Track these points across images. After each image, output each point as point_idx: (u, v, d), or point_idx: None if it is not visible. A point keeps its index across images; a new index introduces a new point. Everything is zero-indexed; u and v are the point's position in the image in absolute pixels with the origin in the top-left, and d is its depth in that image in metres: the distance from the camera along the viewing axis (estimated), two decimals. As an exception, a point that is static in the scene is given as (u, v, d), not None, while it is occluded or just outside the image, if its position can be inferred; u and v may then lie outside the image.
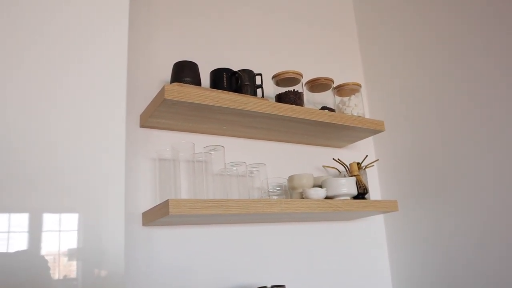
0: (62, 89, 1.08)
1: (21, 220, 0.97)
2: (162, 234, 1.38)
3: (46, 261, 0.97)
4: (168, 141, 1.44)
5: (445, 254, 1.63)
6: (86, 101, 1.10)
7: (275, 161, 1.66)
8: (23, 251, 0.95)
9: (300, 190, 1.47)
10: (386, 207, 1.56)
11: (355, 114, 1.65)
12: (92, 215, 1.04)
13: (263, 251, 1.56)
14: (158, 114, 1.35)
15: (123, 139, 1.14)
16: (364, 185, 1.58)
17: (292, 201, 1.33)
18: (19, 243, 0.95)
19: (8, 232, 0.95)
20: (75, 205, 1.03)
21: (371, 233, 1.85)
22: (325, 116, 1.53)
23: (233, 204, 1.23)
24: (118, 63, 1.18)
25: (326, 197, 1.44)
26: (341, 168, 1.74)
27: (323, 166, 1.77)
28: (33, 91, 1.04)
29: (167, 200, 1.14)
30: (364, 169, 1.69)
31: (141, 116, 1.43)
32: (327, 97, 1.68)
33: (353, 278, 1.75)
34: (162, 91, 1.25)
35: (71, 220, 1.02)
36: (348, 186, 1.46)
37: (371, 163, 1.75)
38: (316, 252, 1.68)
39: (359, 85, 1.71)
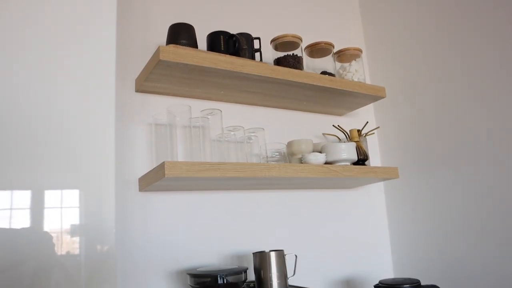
0: (51, 58, 1.05)
1: (22, 197, 0.95)
2: (159, 200, 1.36)
3: (48, 238, 0.96)
4: (164, 106, 1.41)
5: (444, 222, 1.62)
6: (74, 67, 1.07)
7: (273, 129, 1.63)
8: (25, 228, 0.94)
9: (299, 156, 1.44)
10: (387, 173, 1.53)
11: (356, 80, 1.62)
12: (87, 187, 1.02)
13: (261, 218, 1.54)
14: (153, 77, 1.31)
15: (113, 105, 1.10)
16: (365, 151, 1.55)
17: (291, 166, 1.31)
18: (22, 220, 0.94)
19: (11, 209, 0.94)
20: (70, 177, 1.00)
21: (370, 201, 1.84)
22: (325, 81, 1.49)
23: (231, 167, 1.20)
24: (106, 23, 1.15)
25: (326, 163, 1.42)
26: (341, 135, 1.71)
27: (323, 134, 1.75)
28: (20, 61, 1.01)
29: (163, 162, 1.12)
30: (365, 136, 1.67)
31: (136, 80, 1.40)
32: (327, 63, 1.64)
33: (352, 245, 1.74)
34: (157, 52, 1.22)
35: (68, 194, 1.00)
36: (348, 152, 1.44)
37: (371, 130, 1.72)
38: (315, 219, 1.67)
39: (360, 50, 1.67)
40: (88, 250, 0.99)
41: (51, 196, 0.98)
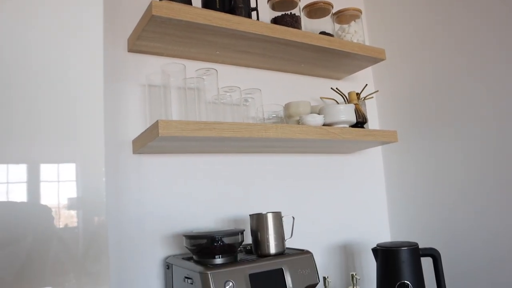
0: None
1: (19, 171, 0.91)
2: (153, 163, 1.34)
3: (46, 211, 0.92)
4: (158, 67, 1.37)
5: (443, 186, 1.60)
6: (58, 27, 1.00)
7: (270, 93, 1.59)
8: (23, 202, 0.91)
9: (297, 118, 1.41)
10: (386, 137, 1.51)
11: (355, 42, 1.57)
12: (78, 157, 0.98)
13: (258, 182, 1.52)
14: (146, 36, 1.27)
15: (101, 66, 1.04)
16: (363, 114, 1.52)
17: (288, 127, 1.28)
18: (19, 193, 0.91)
19: (7, 183, 0.90)
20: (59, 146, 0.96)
21: (368, 165, 1.82)
22: (324, 41, 1.45)
23: (227, 127, 1.17)
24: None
25: (324, 125, 1.39)
26: (340, 99, 1.67)
27: (321, 98, 1.71)
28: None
29: (157, 121, 1.08)
30: (363, 100, 1.63)
31: (128, 39, 1.35)
32: (326, 24, 1.59)
33: (350, 210, 1.73)
34: (149, 7, 1.17)
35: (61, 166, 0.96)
36: (346, 114, 1.40)
37: (370, 94, 1.69)
38: (313, 184, 1.65)
39: (360, 11, 1.62)
40: (84, 222, 0.96)
41: (44, 169, 0.94)
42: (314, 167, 1.66)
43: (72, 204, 0.95)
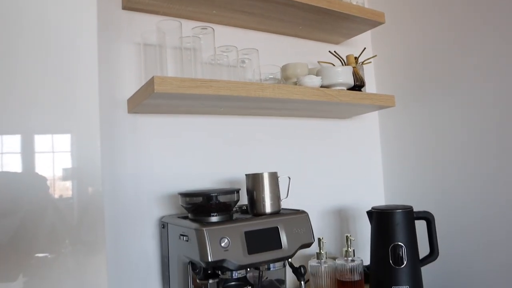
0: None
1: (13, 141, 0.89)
2: (149, 122, 1.32)
3: (40, 182, 0.91)
4: (153, 26, 1.34)
5: (439, 152, 1.60)
6: None
7: (268, 55, 1.57)
8: (17, 173, 0.89)
9: (294, 80, 1.39)
10: (383, 101, 1.50)
11: (354, 3, 1.54)
12: (72, 125, 0.95)
13: (254, 144, 1.51)
14: (141, -9, 1.23)
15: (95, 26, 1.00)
16: (361, 77, 1.50)
17: (285, 87, 1.26)
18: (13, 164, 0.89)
19: (1, 153, 0.88)
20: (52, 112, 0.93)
21: (365, 131, 1.81)
22: (323, 2, 1.42)
23: (223, 85, 1.15)
24: None
25: (321, 87, 1.37)
26: (338, 63, 1.65)
27: (318, 62, 1.69)
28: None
29: (152, 77, 1.06)
30: (362, 64, 1.61)
31: (123, -4, 1.32)
32: (325, -15, 1.55)
33: (345, 175, 1.73)
34: (144, -40, 1.13)
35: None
36: (344, 76, 1.39)
37: (368, 59, 1.67)
38: (310, 148, 1.65)
39: (360, -28, 1.58)
40: (80, 192, 0.94)
41: (39, 139, 0.92)
42: (311, 131, 1.65)
43: (67, 174, 0.93)
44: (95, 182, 0.96)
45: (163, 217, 1.27)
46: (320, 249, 1.33)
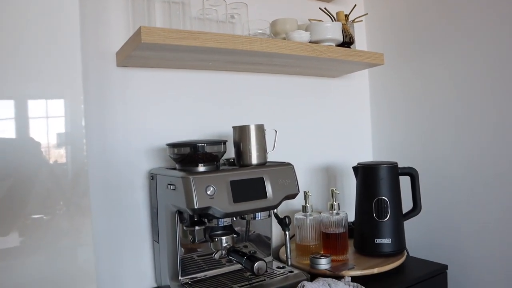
0: None
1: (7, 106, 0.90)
2: (138, 76, 1.33)
3: (36, 146, 0.92)
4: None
5: (427, 114, 1.62)
6: None
7: (257, 11, 1.55)
8: (11, 138, 0.90)
9: (283, 36, 1.39)
10: (372, 58, 1.50)
11: (346, -41, 1.53)
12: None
13: (244, 100, 1.53)
14: None
15: None
16: (351, 34, 1.50)
17: (273, 41, 1.27)
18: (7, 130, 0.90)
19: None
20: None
21: (354, 90, 1.83)
22: (313, -44, 1.41)
23: (210, 37, 1.16)
24: None
25: (310, 42, 1.37)
26: (328, 20, 1.64)
27: (309, 20, 1.68)
28: None
29: (139, 27, 1.07)
30: (352, 22, 1.61)
31: None
32: None
33: (334, 133, 1.76)
34: None
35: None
36: (333, 32, 1.39)
37: (359, 17, 1.66)
38: (299, 105, 1.66)
39: None
40: (64, 154, 0.96)
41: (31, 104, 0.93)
42: (300, 88, 1.66)
43: (52, 137, 0.94)
44: (79, 145, 0.97)
45: (152, 169, 1.30)
46: (306, 202, 1.36)
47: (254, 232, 1.37)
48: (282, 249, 1.48)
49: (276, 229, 1.37)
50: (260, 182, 1.14)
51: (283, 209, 1.57)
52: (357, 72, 1.80)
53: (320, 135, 1.71)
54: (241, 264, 1.07)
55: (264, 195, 1.13)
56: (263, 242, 1.37)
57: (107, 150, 1.27)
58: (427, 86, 1.61)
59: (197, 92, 1.43)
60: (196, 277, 1.22)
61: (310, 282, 1.11)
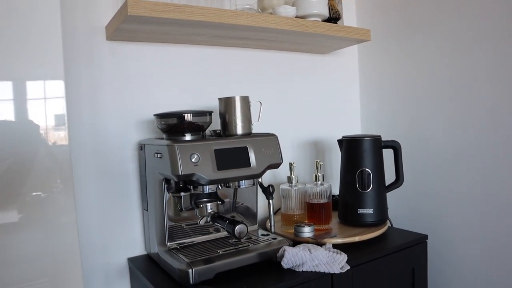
0: None
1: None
2: (127, 50, 1.36)
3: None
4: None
5: (416, 90, 1.65)
6: None
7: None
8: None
9: (270, 11, 1.42)
10: (358, 34, 1.53)
11: None
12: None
13: (232, 75, 1.56)
14: None
15: None
16: (338, 10, 1.53)
17: (259, 15, 1.30)
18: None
19: None
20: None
21: (343, 67, 1.86)
22: None
23: (197, 11, 1.19)
24: None
25: (296, 17, 1.40)
26: (317, -2, 1.67)
27: (298, -3, 1.70)
28: None
29: (126, 0, 1.10)
30: (340, -2, 1.63)
31: None
32: None
33: (322, 109, 1.79)
34: None
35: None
36: (319, 7, 1.42)
37: (348, -6, 1.68)
38: (287, 81, 1.69)
39: None
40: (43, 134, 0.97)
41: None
42: (290, 64, 1.70)
43: (33, 118, 0.95)
44: (60, 125, 0.98)
45: (141, 140, 1.34)
46: (291, 173, 1.40)
47: (243, 204, 1.41)
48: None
49: (262, 200, 1.42)
50: (244, 151, 1.18)
51: (271, 181, 1.62)
52: (347, 49, 1.82)
53: (309, 110, 1.75)
54: (224, 228, 1.12)
55: (247, 163, 1.17)
56: (251, 213, 1.41)
57: (96, 122, 1.31)
58: (417, 63, 1.64)
59: (186, 66, 1.46)
60: (184, 243, 1.27)
61: (291, 247, 1.15)
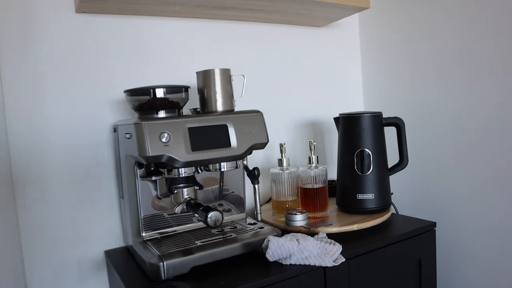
0: None
1: None
2: (98, 22, 1.24)
3: None
4: None
5: (424, 67, 1.49)
6: None
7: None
8: None
9: (257, -24, 1.28)
10: (355, 1, 1.38)
11: None
12: None
13: (217, 51, 1.43)
14: None
15: None
16: (333, -25, 1.38)
17: (241, -22, 1.16)
18: None
19: None
20: None
21: (343, 41, 1.70)
22: None
23: (168, -28, 1.05)
24: None
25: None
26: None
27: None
28: None
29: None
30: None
31: None
32: None
33: (321, 86, 1.65)
34: None
35: None
36: (311, -30, 1.27)
37: (346, -41, 1.53)
38: (283, 57, 1.56)
39: None
40: None
41: None
42: (284, 38, 1.55)
43: None
44: None
45: (116, 122, 1.22)
46: (282, 156, 1.27)
47: (233, 192, 1.29)
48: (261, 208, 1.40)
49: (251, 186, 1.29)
50: (223, 129, 1.04)
51: (265, 166, 1.49)
52: (346, 21, 1.68)
53: (307, 88, 1.61)
54: (197, 216, 0.99)
55: (227, 143, 1.04)
56: (239, 200, 1.29)
57: (67, 105, 1.19)
58: (423, 33, 1.48)
59: (165, 42, 1.33)
60: (166, 233, 1.15)
61: (276, 237, 1.02)
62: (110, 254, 1.21)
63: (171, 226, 1.17)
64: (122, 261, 1.15)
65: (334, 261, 1.01)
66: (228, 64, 1.42)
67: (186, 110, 1.18)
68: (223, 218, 0.96)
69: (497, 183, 1.28)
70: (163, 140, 0.96)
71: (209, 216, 0.93)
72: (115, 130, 1.18)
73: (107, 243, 1.26)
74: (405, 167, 1.31)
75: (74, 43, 1.20)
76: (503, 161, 1.26)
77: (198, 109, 1.19)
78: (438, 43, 1.42)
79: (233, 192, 1.29)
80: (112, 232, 1.26)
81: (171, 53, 1.34)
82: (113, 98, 1.25)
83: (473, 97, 1.32)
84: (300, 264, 1.01)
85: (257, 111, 1.11)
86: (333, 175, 1.60)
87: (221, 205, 1.28)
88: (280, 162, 1.27)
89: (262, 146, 1.10)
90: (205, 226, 1.17)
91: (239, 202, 1.29)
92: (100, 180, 1.24)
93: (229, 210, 1.28)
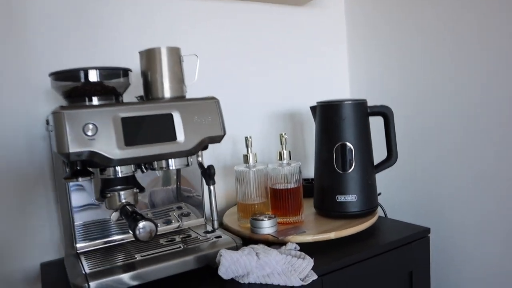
0: None
1: None
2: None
3: None
4: None
5: (417, 54, 1.30)
6: None
7: None
8: None
9: None
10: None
11: None
12: None
13: (178, 31, 1.23)
14: None
15: None
16: None
17: None
18: None
19: None
20: None
21: (327, 22, 1.51)
22: None
23: None
24: None
25: None
26: None
27: None
28: None
29: None
30: None
31: None
32: None
33: (302, 75, 1.46)
34: None
35: None
36: None
37: None
38: (260, 39, 1.36)
39: None
40: None
41: None
42: (259, 19, 1.36)
43: None
44: None
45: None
46: (248, 151, 1.08)
47: (195, 193, 1.11)
48: (228, 211, 1.22)
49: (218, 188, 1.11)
50: (167, 119, 0.86)
51: (235, 163, 1.31)
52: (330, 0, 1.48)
53: (286, 75, 1.42)
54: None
55: (172, 136, 0.85)
56: (201, 203, 1.10)
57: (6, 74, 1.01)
58: (416, 14, 1.29)
59: (114, 17, 1.14)
60: (102, 244, 0.97)
61: (230, 251, 0.84)
62: (45, 267, 1.03)
63: (112, 236, 0.98)
64: (55, 275, 0.97)
65: (302, 280, 0.83)
66: (192, 47, 1.23)
67: (132, 99, 1.00)
68: (157, 231, 0.77)
69: (503, 182, 1.10)
70: (88, 133, 0.78)
71: (137, 227, 0.74)
72: (47, 122, 1.00)
73: (45, 254, 1.08)
74: (394, 163, 1.12)
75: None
76: (507, 150, 1.08)
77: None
78: (433, 24, 1.23)
79: (195, 193, 1.11)
80: (50, 242, 1.08)
81: (117, 33, 1.15)
82: (47, 85, 1.06)
83: (475, 83, 1.13)
84: (261, 283, 0.82)
85: (212, 98, 0.92)
86: (312, 173, 1.42)
87: (180, 208, 1.10)
88: (246, 158, 1.08)
89: (217, 139, 0.91)
90: (159, 233, 0.99)
91: (200, 205, 1.11)
92: (36, 183, 1.06)
93: (187, 214, 1.10)
